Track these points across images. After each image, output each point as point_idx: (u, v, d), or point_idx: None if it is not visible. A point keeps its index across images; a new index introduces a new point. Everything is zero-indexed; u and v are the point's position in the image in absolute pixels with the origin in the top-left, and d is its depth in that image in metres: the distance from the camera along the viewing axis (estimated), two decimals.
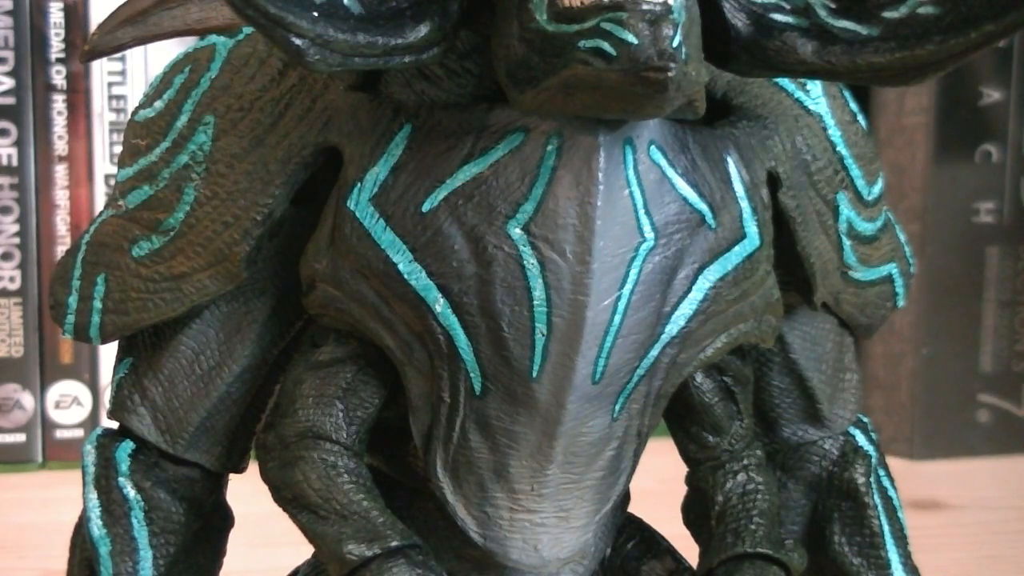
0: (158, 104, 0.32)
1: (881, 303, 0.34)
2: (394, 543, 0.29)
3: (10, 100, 0.68)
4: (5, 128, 0.68)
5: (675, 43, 0.25)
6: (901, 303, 0.34)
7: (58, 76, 0.68)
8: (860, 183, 0.32)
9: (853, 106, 0.33)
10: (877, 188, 0.33)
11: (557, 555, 0.31)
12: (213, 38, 0.32)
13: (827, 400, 0.35)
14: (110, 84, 0.68)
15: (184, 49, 0.32)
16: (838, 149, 0.32)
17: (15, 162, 0.69)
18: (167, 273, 0.31)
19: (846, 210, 0.32)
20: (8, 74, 0.68)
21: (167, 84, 0.32)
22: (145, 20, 0.33)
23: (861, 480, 0.34)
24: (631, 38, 0.25)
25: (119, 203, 0.32)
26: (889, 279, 0.34)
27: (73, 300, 0.32)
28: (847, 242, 0.32)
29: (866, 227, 0.33)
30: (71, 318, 0.32)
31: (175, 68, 0.32)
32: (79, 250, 0.32)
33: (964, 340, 0.73)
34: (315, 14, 0.25)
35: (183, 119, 0.31)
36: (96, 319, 0.32)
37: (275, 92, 0.30)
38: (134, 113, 0.33)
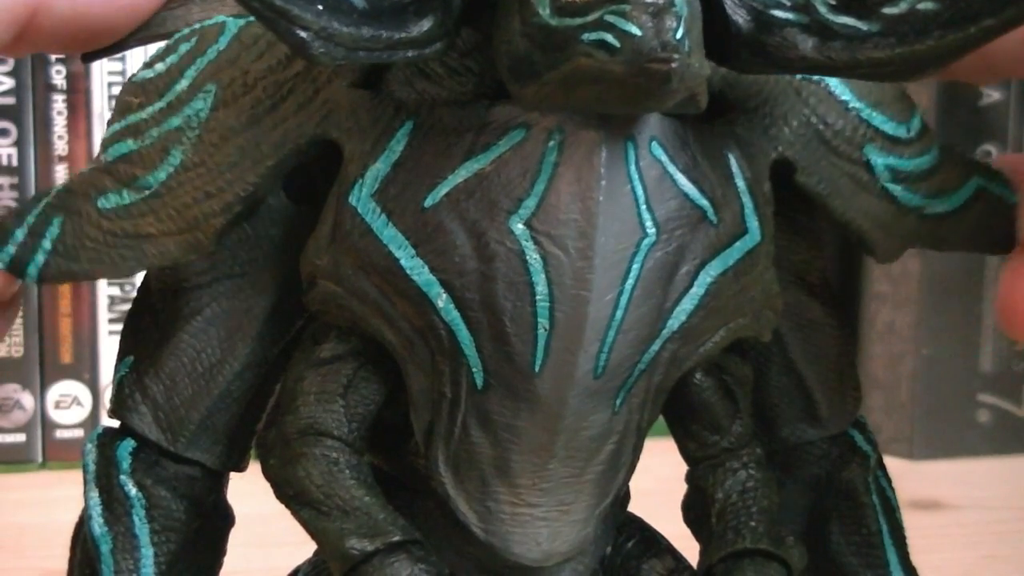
0: (159, 66, 0.31)
1: (992, 213, 0.33)
2: (396, 538, 0.29)
3: (10, 100, 0.68)
4: (5, 128, 0.68)
5: (678, 35, 0.25)
6: (1013, 199, 0.33)
7: (58, 76, 0.68)
8: (889, 126, 0.32)
9: None
10: (915, 123, 0.33)
11: (558, 549, 0.31)
12: (223, 16, 0.31)
13: (826, 400, 0.35)
14: (110, 84, 0.69)
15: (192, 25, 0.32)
16: (851, 105, 0.32)
17: (15, 162, 0.69)
18: (132, 231, 0.31)
19: (880, 159, 0.32)
20: (8, 74, 0.68)
21: (171, 50, 0.31)
22: (147, 21, 0.33)
23: (859, 480, 0.34)
24: (634, 30, 0.25)
25: (99, 157, 0.32)
26: (982, 191, 0.33)
27: (21, 233, 0.31)
28: (896, 188, 0.32)
29: (917, 163, 0.32)
30: (10, 249, 0.31)
31: (182, 37, 0.32)
32: (47, 194, 0.32)
33: (964, 340, 0.73)
34: (319, 7, 0.25)
35: (184, 83, 0.31)
36: (40, 258, 0.31)
37: (280, 76, 0.30)
38: (133, 75, 0.32)
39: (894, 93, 0.32)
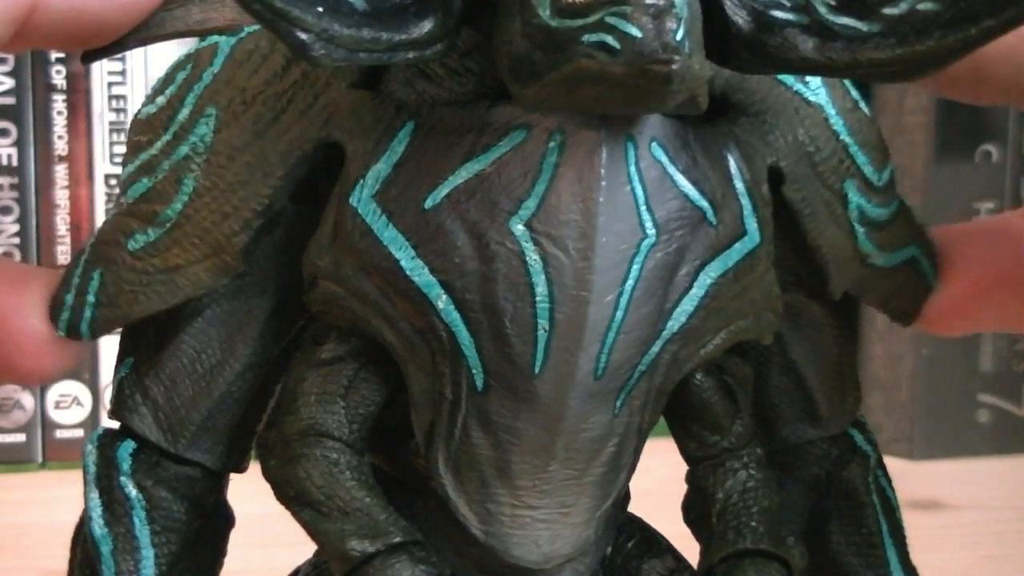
0: (160, 100, 0.32)
1: (911, 285, 0.34)
2: (396, 539, 0.29)
3: (10, 100, 0.68)
4: (5, 128, 0.68)
5: (679, 36, 0.25)
6: (932, 283, 0.34)
7: (58, 76, 0.68)
8: (868, 169, 0.32)
9: (855, 93, 0.33)
10: (887, 173, 0.33)
11: (558, 551, 0.31)
12: (215, 37, 0.32)
13: (826, 400, 0.35)
14: (110, 84, 0.69)
15: (186, 49, 0.32)
16: (841, 138, 0.32)
17: (15, 162, 0.69)
18: (161, 265, 0.31)
19: (855, 197, 0.32)
20: (8, 74, 0.68)
21: (169, 81, 0.32)
22: (146, 21, 0.33)
23: (859, 480, 0.34)
24: (635, 31, 0.25)
25: (121, 201, 0.32)
26: (913, 261, 0.34)
27: (70, 297, 0.32)
28: (860, 229, 0.32)
29: (879, 212, 0.33)
30: (66, 315, 0.32)
31: (178, 66, 0.32)
32: (84, 252, 0.32)
33: (964, 340, 0.73)
34: (320, 9, 0.25)
35: (184, 112, 0.31)
36: (88, 314, 0.32)
37: (278, 87, 0.30)
38: (137, 112, 0.33)
39: (877, 139, 0.33)
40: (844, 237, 0.32)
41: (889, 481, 0.35)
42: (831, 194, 0.32)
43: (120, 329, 0.33)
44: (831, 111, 0.32)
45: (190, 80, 0.31)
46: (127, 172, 0.32)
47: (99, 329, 0.32)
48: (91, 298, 0.31)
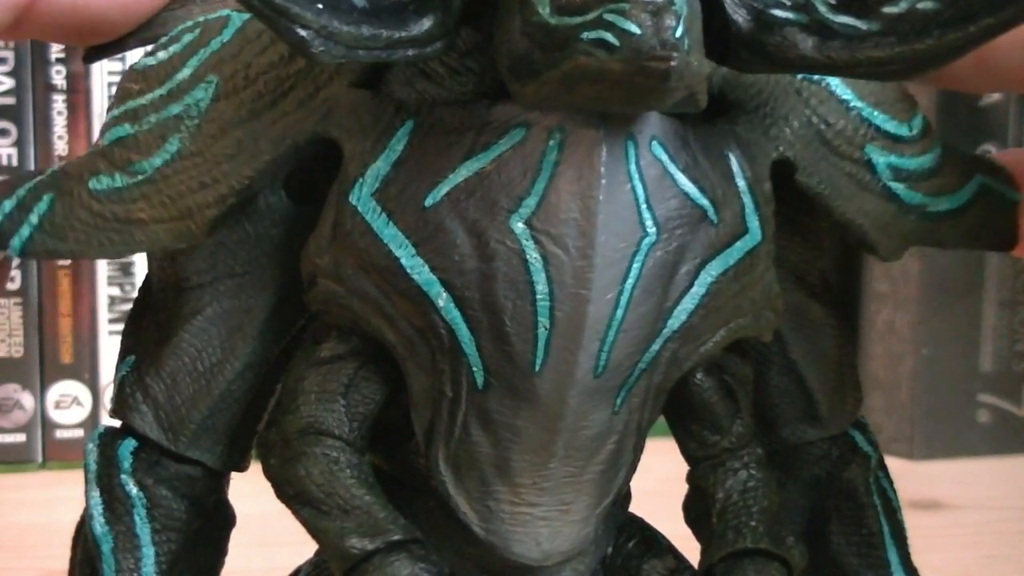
0: (161, 54, 0.31)
1: (994, 212, 0.33)
2: (396, 537, 0.29)
3: (10, 100, 0.68)
4: (5, 128, 0.68)
5: (678, 33, 0.25)
6: (1016, 197, 0.33)
7: (58, 76, 0.68)
8: (890, 125, 0.32)
9: None
10: (917, 122, 0.33)
11: (558, 548, 0.31)
12: (227, 10, 0.31)
13: (826, 400, 0.35)
14: (110, 84, 0.69)
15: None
16: (852, 104, 0.32)
17: (15, 162, 0.69)
18: (123, 215, 0.31)
19: (881, 158, 0.32)
20: (8, 74, 0.68)
21: (175, 40, 0.31)
22: (148, 20, 0.33)
23: (860, 480, 0.34)
24: (634, 28, 0.25)
25: (97, 143, 0.32)
26: (984, 189, 0.33)
27: (9, 204, 0.31)
28: (898, 186, 0.32)
29: (919, 162, 0.32)
30: None
31: (186, 28, 0.32)
32: (42, 173, 0.32)
33: (964, 340, 0.73)
34: (320, 5, 0.25)
35: (185, 72, 0.31)
36: (26, 231, 0.31)
37: (281, 72, 0.30)
38: (134, 64, 0.32)
39: (896, 93, 0.33)
40: (880, 201, 0.32)
41: (890, 482, 0.35)
42: (852, 164, 0.32)
43: (52, 259, 0.31)
44: (835, 82, 0.31)
45: (196, 44, 0.31)
46: (111, 116, 0.32)
47: (33, 252, 0.31)
48: (34, 218, 0.31)
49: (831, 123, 0.31)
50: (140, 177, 0.31)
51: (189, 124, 0.31)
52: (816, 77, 0.31)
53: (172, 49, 0.31)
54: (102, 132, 0.32)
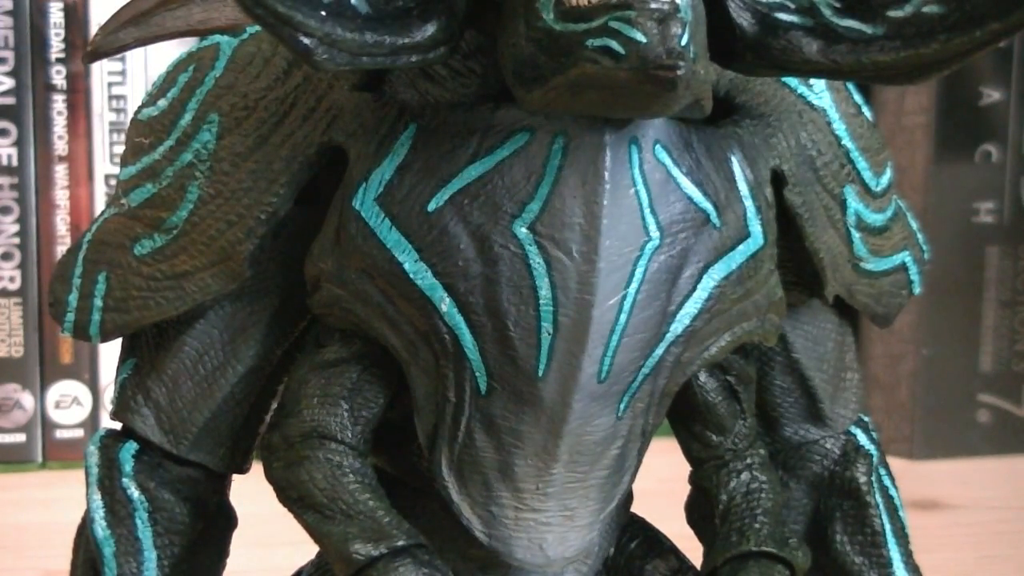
0: (162, 102, 0.32)
1: (896, 292, 0.34)
2: (400, 542, 0.29)
3: (10, 100, 0.68)
4: (5, 128, 0.68)
5: (683, 41, 0.25)
6: (917, 290, 0.34)
7: (58, 76, 0.68)
8: (867, 175, 0.33)
9: (857, 98, 0.33)
10: (885, 178, 0.33)
11: (562, 554, 0.31)
12: (216, 37, 0.32)
13: (828, 400, 0.35)
14: (110, 84, 0.68)
15: (187, 49, 0.32)
16: (843, 143, 0.32)
17: (15, 162, 0.69)
18: (169, 272, 0.31)
19: (854, 203, 0.32)
20: (8, 74, 0.68)
21: (171, 82, 0.32)
22: (147, 21, 0.33)
23: (863, 479, 0.34)
24: (640, 37, 0.25)
25: (121, 202, 0.32)
26: (903, 267, 0.34)
27: (73, 298, 0.32)
28: (856, 235, 0.32)
29: (875, 218, 0.33)
30: (71, 316, 0.32)
31: (179, 67, 0.32)
32: (80, 248, 0.32)
33: (964, 340, 0.73)
34: (323, 13, 0.25)
35: (187, 117, 0.31)
36: (96, 317, 0.32)
37: (280, 91, 0.30)
38: (137, 111, 0.33)
39: (879, 143, 0.33)
40: (840, 242, 0.32)
41: (892, 480, 0.35)
42: (831, 199, 0.32)
43: (126, 333, 0.33)
44: (834, 115, 0.32)
45: (192, 84, 0.31)
46: (128, 174, 0.32)
47: (109, 333, 0.32)
48: (98, 301, 0.32)
49: (822, 152, 0.32)
50: (174, 232, 0.31)
51: (202, 168, 0.31)
52: (816, 103, 0.32)
53: (171, 95, 0.32)
54: (124, 191, 0.32)
